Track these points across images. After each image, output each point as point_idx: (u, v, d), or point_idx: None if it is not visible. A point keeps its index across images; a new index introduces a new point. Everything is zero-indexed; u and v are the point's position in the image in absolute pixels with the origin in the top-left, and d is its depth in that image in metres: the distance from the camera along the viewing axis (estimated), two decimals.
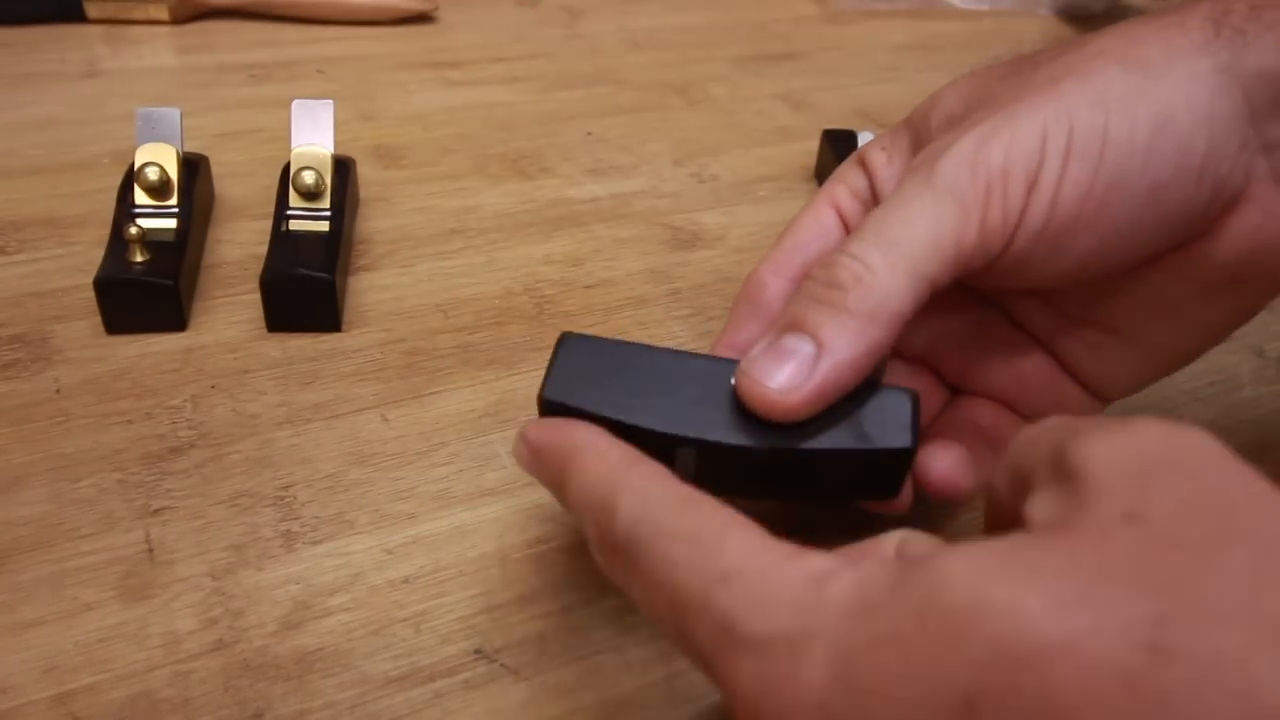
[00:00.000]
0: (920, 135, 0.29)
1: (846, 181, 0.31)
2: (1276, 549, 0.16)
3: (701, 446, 0.25)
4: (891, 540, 0.21)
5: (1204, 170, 0.25)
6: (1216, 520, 0.16)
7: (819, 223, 0.30)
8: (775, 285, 0.30)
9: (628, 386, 0.25)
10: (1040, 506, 0.18)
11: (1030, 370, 0.31)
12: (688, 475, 0.26)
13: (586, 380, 0.25)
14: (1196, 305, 0.29)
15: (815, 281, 0.25)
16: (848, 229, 0.30)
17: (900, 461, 0.26)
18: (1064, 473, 0.18)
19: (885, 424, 0.25)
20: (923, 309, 0.25)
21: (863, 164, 0.31)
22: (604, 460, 0.23)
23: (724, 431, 0.25)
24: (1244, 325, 0.29)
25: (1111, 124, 0.25)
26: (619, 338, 0.26)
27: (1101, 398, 0.31)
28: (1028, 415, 0.32)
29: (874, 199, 0.30)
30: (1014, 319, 0.32)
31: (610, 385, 0.25)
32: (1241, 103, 0.25)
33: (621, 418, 0.25)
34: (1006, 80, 0.28)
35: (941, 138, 0.27)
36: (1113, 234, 0.26)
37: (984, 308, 0.32)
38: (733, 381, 0.25)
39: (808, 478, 0.27)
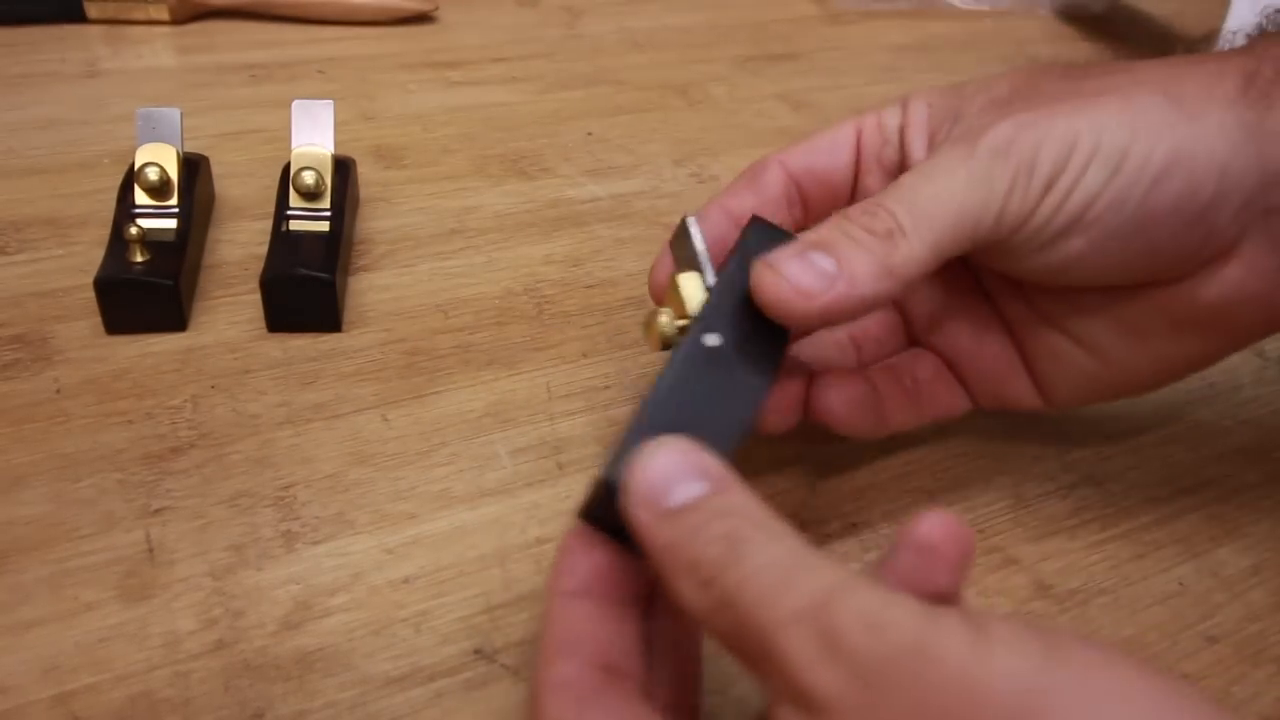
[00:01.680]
0: (964, 108, 0.30)
1: (880, 115, 0.32)
2: None
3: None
4: None
5: (1202, 217, 0.27)
6: None
7: (835, 139, 0.32)
8: (776, 172, 0.32)
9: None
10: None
11: (992, 350, 0.33)
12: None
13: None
14: (1163, 339, 0.30)
15: (853, 222, 0.27)
16: (859, 155, 0.32)
17: None
18: (802, 697, 0.19)
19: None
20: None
21: (904, 107, 0.32)
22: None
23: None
24: (1200, 370, 0.31)
25: (1134, 147, 0.26)
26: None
27: (1046, 399, 0.33)
28: (973, 387, 0.34)
29: (900, 143, 0.31)
30: (993, 302, 0.33)
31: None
32: (1256, 162, 0.26)
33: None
34: (1056, 82, 0.29)
35: (982, 117, 0.29)
36: (1099, 244, 0.27)
37: (971, 279, 0.34)
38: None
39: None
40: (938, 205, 0.26)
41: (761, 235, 0.28)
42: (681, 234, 0.30)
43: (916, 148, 0.31)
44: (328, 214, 0.40)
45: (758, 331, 0.27)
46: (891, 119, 0.32)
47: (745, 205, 0.32)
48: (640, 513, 0.22)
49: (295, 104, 0.41)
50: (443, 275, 0.43)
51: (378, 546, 0.31)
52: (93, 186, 0.46)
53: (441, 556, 0.31)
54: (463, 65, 0.62)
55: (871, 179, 0.32)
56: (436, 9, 0.68)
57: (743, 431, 0.25)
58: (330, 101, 0.41)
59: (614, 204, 0.49)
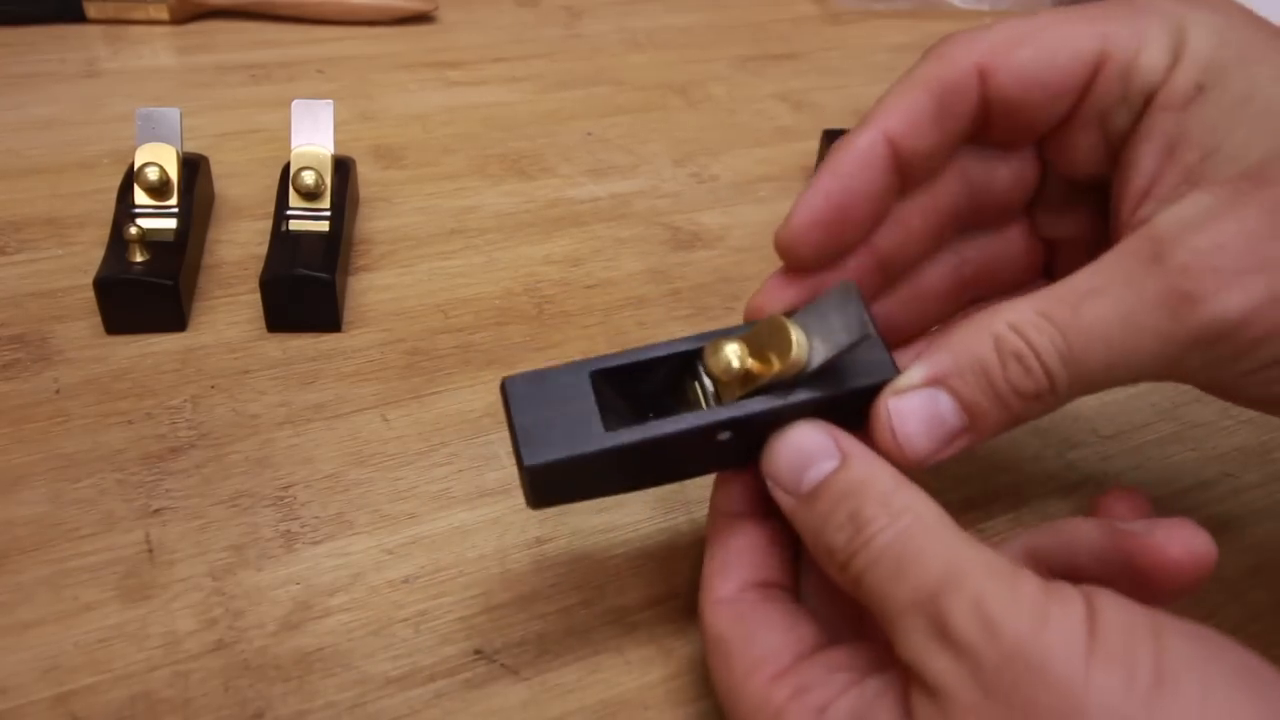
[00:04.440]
0: (1241, 128, 0.22)
1: (1141, 45, 0.24)
2: None
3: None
4: None
5: None
6: None
7: (863, 164, 0.25)
8: (810, 241, 0.26)
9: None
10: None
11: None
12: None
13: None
14: None
15: (999, 373, 0.23)
16: (900, 167, 0.25)
17: (879, 388, 0.24)
18: (923, 682, 0.20)
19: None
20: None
21: (1175, 52, 0.23)
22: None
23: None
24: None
25: None
26: (555, 363, 0.24)
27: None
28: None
29: (1141, 110, 0.24)
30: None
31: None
32: None
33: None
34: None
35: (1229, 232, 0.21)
36: None
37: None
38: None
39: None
40: (1107, 372, 0.22)
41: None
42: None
43: (1147, 160, 0.24)
44: (327, 214, 0.40)
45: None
46: (1154, 60, 0.23)
47: (788, 298, 0.26)
48: (781, 498, 0.23)
49: (295, 104, 0.41)
50: (443, 275, 0.43)
51: (378, 546, 0.31)
52: (93, 186, 0.46)
53: (441, 556, 0.31)
54: (463, 65, 0.62)
55: (1083, 136, 0.25)
56: (436, 9, 0.68)
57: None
58: (330, 101, 0.41)
59: (614, 204, 0.49)
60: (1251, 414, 0.40)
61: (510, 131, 0.55)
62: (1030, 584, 0.19)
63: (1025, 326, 0.22)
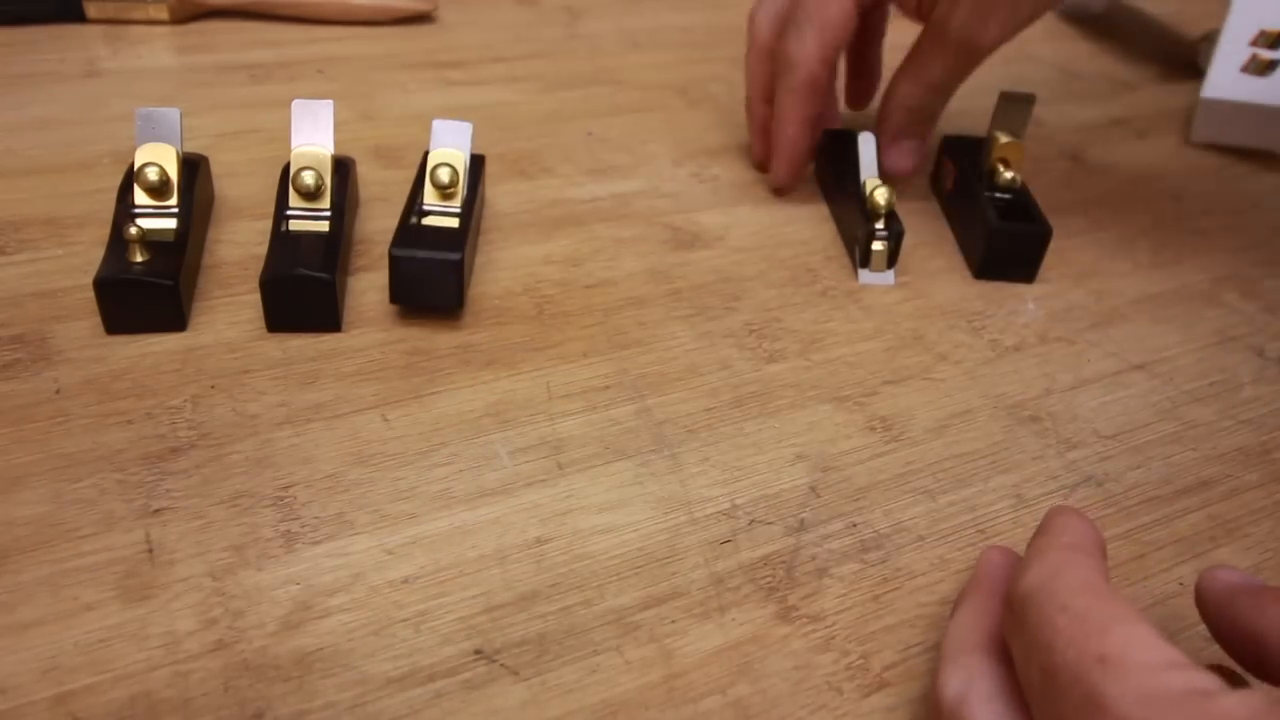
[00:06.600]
0: None
1: None
2: None
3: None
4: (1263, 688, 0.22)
5: None
6: None
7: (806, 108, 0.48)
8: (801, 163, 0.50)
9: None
10: None
11: None
12: None
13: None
14: None
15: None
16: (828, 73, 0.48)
17: None
18: None
19: None
20: None
21: None
22: (1046, 536, 0.25)
23: None
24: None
25: None
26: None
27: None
28: None
29: None
30: None
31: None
32: None
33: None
34: None
35: None
36: None
37: None
38: None
39: None
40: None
41: None
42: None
43: None
44: (327, 214, 0.40)
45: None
46: None
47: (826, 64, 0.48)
48: None
49: (295, 104, 0.41)
50: None
51: (378, 546, 0.31)
52: (92, 186, 0.46)
53: (441, 556, 0.31)
54: (463, 65, 0.62)
55: None
56: (436, 9, 0.68)
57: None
58: (330, 101, 0.41)
59: (614, 204, 0.49)
60: (1251, 414, 0.40)
61: (510, 131, 0.55)
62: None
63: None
